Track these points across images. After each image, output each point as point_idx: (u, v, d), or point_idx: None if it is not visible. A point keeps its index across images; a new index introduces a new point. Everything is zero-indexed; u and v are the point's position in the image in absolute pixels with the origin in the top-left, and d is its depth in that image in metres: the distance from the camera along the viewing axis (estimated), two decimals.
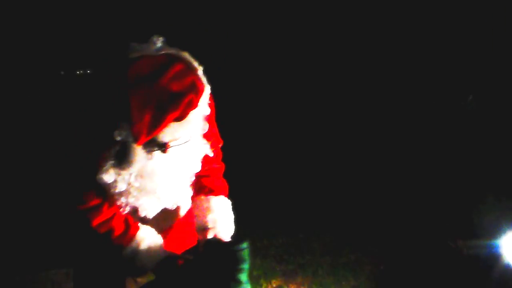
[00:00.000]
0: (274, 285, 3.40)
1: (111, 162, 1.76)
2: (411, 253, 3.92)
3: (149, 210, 1.92)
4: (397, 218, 4.28)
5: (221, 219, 2.00)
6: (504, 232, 2.81)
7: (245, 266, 1.83)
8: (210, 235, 1.99)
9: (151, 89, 1.63)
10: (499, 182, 3.58)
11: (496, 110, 3.97)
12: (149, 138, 1.67)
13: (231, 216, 2.06)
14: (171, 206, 1.95)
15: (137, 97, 1.64)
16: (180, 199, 1.97)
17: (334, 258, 3.81)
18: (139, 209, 1.90)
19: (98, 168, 1.77)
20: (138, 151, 1.75)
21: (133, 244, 1.91)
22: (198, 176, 2.01)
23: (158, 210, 1.95)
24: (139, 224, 1.95)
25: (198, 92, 1.71)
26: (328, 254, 3.85)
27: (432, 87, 4.74)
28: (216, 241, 1.95)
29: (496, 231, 3.01)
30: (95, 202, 1.87)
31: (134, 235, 1.92)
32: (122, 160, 1.75)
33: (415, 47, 5.07)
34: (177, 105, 1.64)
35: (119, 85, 1.67)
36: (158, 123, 1.64)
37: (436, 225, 3.93)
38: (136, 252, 1.90)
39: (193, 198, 2.05)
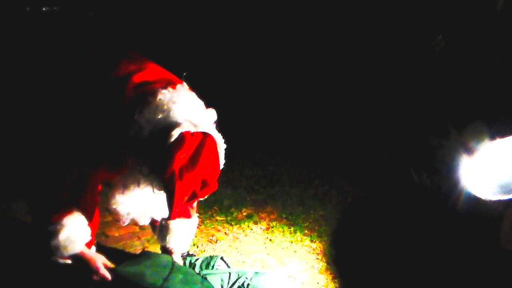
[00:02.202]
0: (245, 214, 3.52)
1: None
2: (378, 185, 4.06)
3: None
4: (365, 153, 4.40)
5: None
6: (463, 162, 2.91)
7: None
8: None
9: (190, 179, 1.81)
10: (461, 117, 3.67)
11: (463, 50, 4.03)
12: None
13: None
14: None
15: (180, 187, 1.81)
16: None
17: (303, 189, 3.94)
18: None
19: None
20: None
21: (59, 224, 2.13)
22: None
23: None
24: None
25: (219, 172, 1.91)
26: (298, 186, 3.98)
27: (399, 28, 4.77)
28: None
29: (457, 163, 3.11)
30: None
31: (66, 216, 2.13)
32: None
33: None
34: (207, 192, 1.89)
35: (166, 170, 1.80)
36: (190, 202, 1.88)
37: (401, 159, 4.06)
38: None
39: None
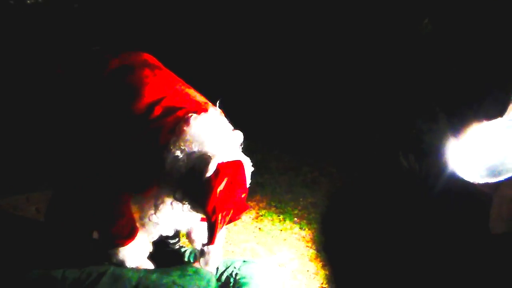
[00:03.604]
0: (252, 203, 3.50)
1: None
2: (366, 171, 4.05)
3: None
4: (353, 138, 4.38)
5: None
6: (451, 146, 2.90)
7: None
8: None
9: (228, 207, 1.94)
10: (450, 101, 3.67)
11: (451, 32, 4.01)
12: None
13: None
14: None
15: (221, 217, 1.94)
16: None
17: (292, 177, 3.92)
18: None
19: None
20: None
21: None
22: None
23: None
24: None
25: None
26: (287, 173, 3.96)
27: (385, 12, 4.74)
28: None
29: (445, 147, 3.10)
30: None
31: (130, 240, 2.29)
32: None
33: None
34: (240, 214, 2.06)
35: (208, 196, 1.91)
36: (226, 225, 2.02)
37: (389, 143, 4.05)
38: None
39: None
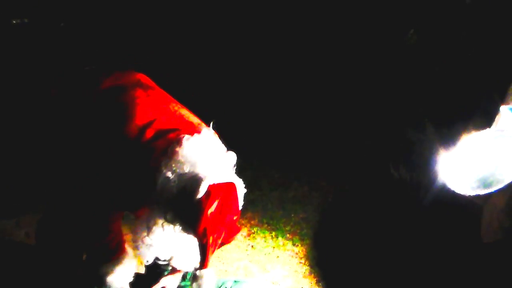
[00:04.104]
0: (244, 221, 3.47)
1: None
2: (357, 183, 4.04)
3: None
4: (342, 150, 4.37)
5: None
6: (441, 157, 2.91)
7: None
8: None
9: (220, 229, 1.91)
10: (438, 111, 3.68)
11: (435, 43, 4.04)
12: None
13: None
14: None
15: (212, 239, 1.90)
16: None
17: (282, 192, 3.90)
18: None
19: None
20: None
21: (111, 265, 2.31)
22: None
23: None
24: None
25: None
26: (277, 189, 3.93)
27: (372, 23, 4.77)
28: None
29: (435, 158, 3.11)
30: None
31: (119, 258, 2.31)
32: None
33: None
34: (233, 236, 2.02)
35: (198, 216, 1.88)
36: (218, 248, 1.98)
37: (380, 156, 4.05)
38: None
39: None
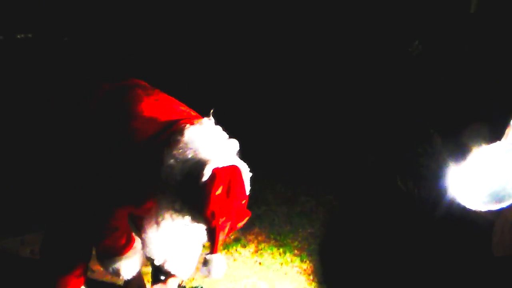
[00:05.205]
0: (232, 237, 3.41)
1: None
2: (365, 196, 4.01)
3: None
4: (349, 163, 4.34)
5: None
6: (449, 169, 2.88)
7: None
8: None
9: (228, 212, 1.91)
10: (445, 123, 3.65)
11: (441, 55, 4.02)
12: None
13: None
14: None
15: (221, 222, 1.91)
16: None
17: (289, 207, 3.86)
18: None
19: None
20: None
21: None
22: None
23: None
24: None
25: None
26: (284, 204, 3.88)
27: (377, 35, 4.75)
28: None
29: (443, 170, 3.08)
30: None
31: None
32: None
33: None
34: (243, 219, 2.00)
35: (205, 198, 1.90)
36: (229, 233, 1.99)
37: (387, 169, 4.02)
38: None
39: None
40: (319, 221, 3.71)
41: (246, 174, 2.03)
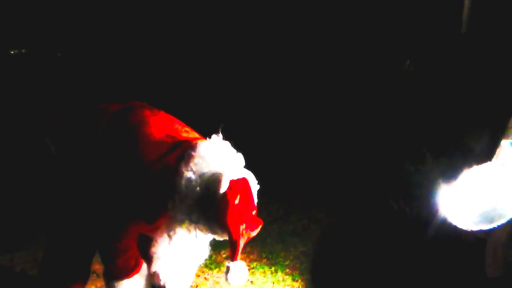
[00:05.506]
0: (224, 256, 3.40)
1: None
2: (358, 216, 4.00)
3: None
4: (341, 183, 4.35)
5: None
6: (441, 188, 2.89)
7: None
8: None
9: (246, 220, 2.04)
10: (437, 142, 3.67)
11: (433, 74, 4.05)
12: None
13: None
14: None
15: (242, 229, 2.04)
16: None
17: (281, 226, 3.86)
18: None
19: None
20: None
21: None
22: None
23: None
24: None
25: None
26: (276, 222, 3.89)
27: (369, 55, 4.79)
28: None
29: (435, 189, 3.09)
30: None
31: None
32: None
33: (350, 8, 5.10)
34: (257, 227, 2.12)
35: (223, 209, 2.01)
36: (247, 240, 2.12)
37: (379, 187, 4.02)
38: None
39: None
40: (311, 239, 3.71)
41: (254, 185, 2.14)
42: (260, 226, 2.13)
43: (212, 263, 3.32)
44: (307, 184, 4.36)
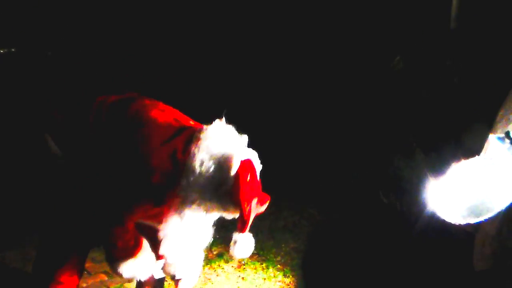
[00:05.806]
0: (215, 252, 3.43)
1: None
2: (348, 210, 4.02)
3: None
4: (333, 179, 4.36)
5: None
6: (429, 183, 2.91)
7: None
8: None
9: (256, 196, 2.16)
10: (426, 137, 3.69)
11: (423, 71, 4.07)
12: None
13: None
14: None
15: (253, 204, 2.15)
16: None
17: (273, 222, 3.87)
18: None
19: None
20: None
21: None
22: None
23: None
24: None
25: None
26: (267, 218, 3.88)
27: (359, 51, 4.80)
28: None
29: (424, 184, 3.11)
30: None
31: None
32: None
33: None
34: (265, 203, 2.24)
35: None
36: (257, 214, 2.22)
37: (369, 182, 4.04)
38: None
39: None
40: (303, 235, 3.73)
41: (258, 165, 2.26)
42: (268, 201, 2.25)
43: (203, 259, 3.32)
44: (298, 180, 4.37)
